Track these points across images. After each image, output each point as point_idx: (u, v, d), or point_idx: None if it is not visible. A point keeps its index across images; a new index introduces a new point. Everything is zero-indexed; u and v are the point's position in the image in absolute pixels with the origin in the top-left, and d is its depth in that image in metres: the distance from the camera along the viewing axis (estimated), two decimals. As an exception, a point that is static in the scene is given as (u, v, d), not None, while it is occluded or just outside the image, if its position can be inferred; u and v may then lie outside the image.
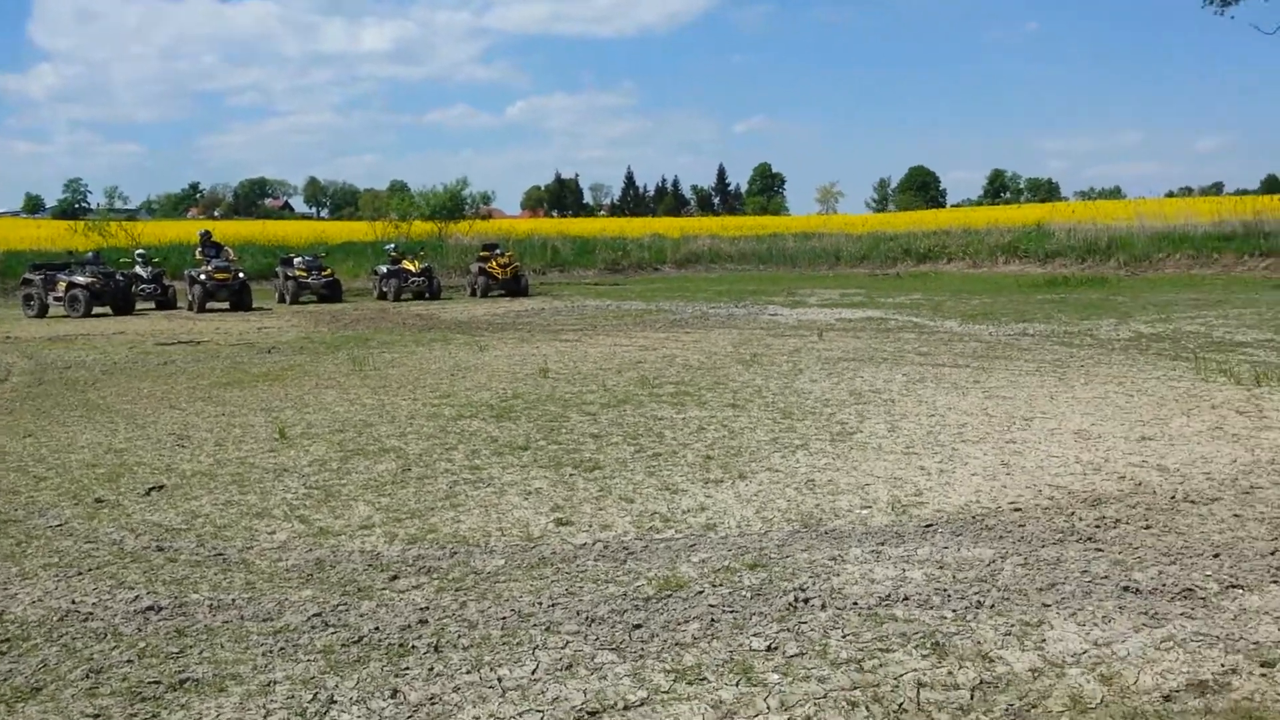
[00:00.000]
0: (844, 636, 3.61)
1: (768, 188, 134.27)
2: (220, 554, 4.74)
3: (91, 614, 4.01)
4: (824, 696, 3.16)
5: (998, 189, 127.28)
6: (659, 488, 5.79)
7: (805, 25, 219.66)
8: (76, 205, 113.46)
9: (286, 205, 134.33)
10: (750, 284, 28.43)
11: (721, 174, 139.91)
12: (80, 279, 21.14)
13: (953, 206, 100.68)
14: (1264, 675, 3.22)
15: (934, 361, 10.73)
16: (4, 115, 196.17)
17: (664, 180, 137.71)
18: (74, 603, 4.14)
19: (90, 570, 4.55)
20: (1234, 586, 4.01)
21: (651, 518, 5.20)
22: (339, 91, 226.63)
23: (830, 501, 5.40)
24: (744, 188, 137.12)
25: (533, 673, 3.39)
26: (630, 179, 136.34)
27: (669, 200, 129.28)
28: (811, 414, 7.88)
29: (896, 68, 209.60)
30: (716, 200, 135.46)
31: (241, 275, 22.15)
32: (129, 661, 3.55)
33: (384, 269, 24.66)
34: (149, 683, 3.36)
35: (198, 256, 22.91)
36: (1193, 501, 5.21)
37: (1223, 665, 3.31)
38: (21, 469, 6.60)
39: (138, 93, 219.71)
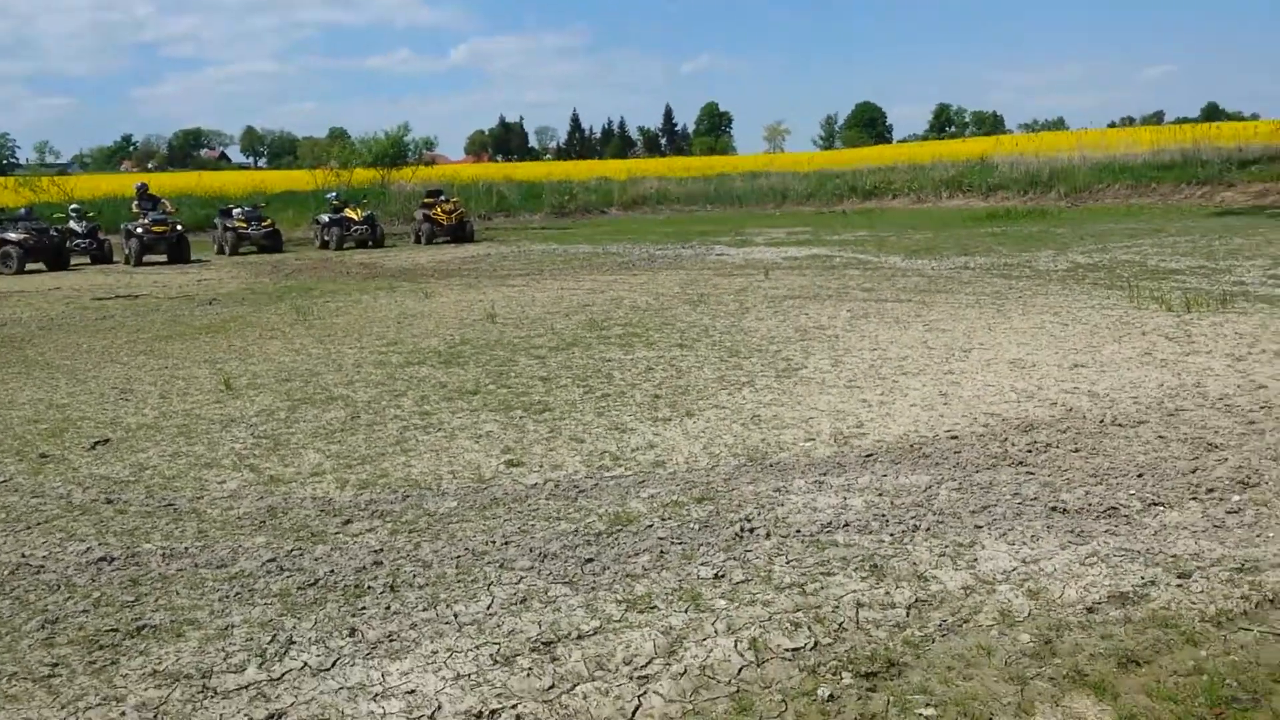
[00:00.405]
0: (787, 562, 3.75)
1: (715, 127, 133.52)
2: (170, 504, 4.75)
3: (43, 567, 4.03)
4: (769, 619, 3.29)
5: (943, 123, 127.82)
6: (608, 427, 5.89)
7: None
8: (4, 161, 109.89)
9: (223, 156, 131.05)
10: (698, 225, 28.45)
11: (668, 114, 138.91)
12: (12, 235, 20.55)
13: (899, 142, 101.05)
14: (1180, 585, 3.41)
15: (877, 297, 10.90)
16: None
17: (610, 123, 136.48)
18: (24, 556, 4.15)
19: (39, 524, 4.55)
20: (1156, 504, 4.20)
21: (601, 456, 5.30)
22: (277, 38, 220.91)
23: (775, 435, 5.53)
24: (691, 128, 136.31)
25: (488, 608, 3.49)
26: (576, 121, 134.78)
27: (616, 143, 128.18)
28: (758, 351, 8.00)
29: (840, 2, 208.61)
30: (664, 141, 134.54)
31: (179, 227, 21.69)
32: (84, 611, 3.58)
33: (326, 218, 24.27)
34: (106, 631, 3.40)
35: (134, 210, 22.36)
36: (1120, 425, 5.42)
37: (1142, 578, 3.49)
38: (-38, 428, 6.52)
39: (68, 45, 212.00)
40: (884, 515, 4.18)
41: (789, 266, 14.91)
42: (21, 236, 20.51)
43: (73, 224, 22.40)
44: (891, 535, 3.96)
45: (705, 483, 4.76)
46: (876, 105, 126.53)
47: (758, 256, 16.88)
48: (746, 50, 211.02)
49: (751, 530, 4.09)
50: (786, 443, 5.38)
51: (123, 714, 2.87)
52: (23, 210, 23.86)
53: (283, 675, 3.05)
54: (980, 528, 4.01)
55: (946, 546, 3.83)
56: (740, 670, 2.98)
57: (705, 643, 3.15)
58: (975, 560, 3.69)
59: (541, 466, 5.17)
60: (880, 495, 4.44)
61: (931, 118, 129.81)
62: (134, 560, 4.06)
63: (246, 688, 2.99)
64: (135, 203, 22.63)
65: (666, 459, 5.20)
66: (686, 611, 3.38)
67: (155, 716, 2.85)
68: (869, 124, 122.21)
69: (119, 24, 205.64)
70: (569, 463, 5.21)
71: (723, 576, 3.65)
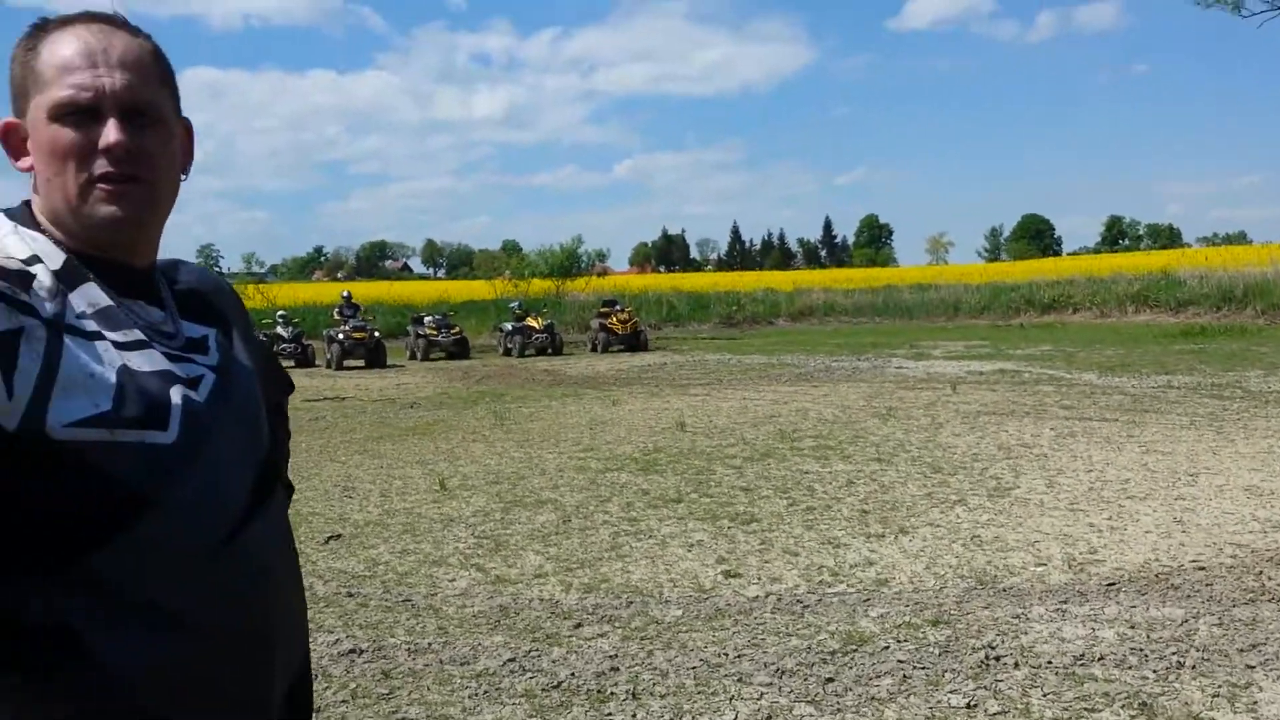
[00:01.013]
0: (1044, 695, 3.58)
1: (875, 239, 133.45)
2: (408, 600, 4.94)
3: (301, 656, 4.23)
4: (1034, 754, 3.14)
5: (1116, 236, 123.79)
6: (820, 541, 5.82)
7: (905, 75, 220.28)
8: (210, 270, 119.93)
9: (405, 266, 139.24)
10: (868, 336, 28.17)
11: (828, 226, 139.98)
12: (226, 338, 22.22)
13: (1070, 254, 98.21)
14: None
15: (1080, 415, 10.49)
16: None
17: (769, 234, 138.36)
18: (282, 645, 4.37)
19: (290, 615, 4.79)
20: None
21: (819, 571, 5.23)
22: (454, 156, 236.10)
23: (1001, 558, 5.34)
24: (850, 240, 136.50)
25: (734, 722, 3.46)
26: (736, 233, 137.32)
27: (776, 254, 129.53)
28: (962, 469, 7.79)
29: (1000, 114, 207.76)
30: (823, 253, 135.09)
31: (377, 334, 22.97)
32: (343, 702, 3.74)
33: (509, 326, 25.25)
34: (370, 722, 3.54)
35: (335, 316, 23.86)
36: (1391, 562, 5.00)
37: None
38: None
39: (265, 164, 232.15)
40: (1141, 650, 3.95)
41: (975, 381, 14.54)
42: (235, 340, 22.13)
43: (280, 329, 24.04)
44: (1154, 672, 3.74)
45: (936, 604, 4.63)
46: (1043, 217, 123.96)
47: (939, 370, 16.54)
48: (903, 162, 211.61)
49: (998, 658, 3.93)
50: (1015, 566, 5.19)
51: (400, 806, 2.96)
52: (235, 315, 25.76)
53: (544, 778, 3.10)
54: (1252, 667, 3.74)
55: (1220, 686, 3.58)
56: (1015, 807, 2.84)
57: (970, 775, 3.03)
58: (1255, 703, 3.44)
59: (760, 579, 5.14)
60: (1133, 628, 4.21)
61: (1104, 230, 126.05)
62: (381, 653, 4.23)
63: (512, 788, 3.04)
64: (337, 310, 24.16)
65: (889, 577, 5.09)
66: (944, 740, 3.26)
67: (431, 811, 2.93)
68: (1035, 236, 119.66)
69: (310, 143, 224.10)
70: (787, 576, 5.17)
71: (976, 706, 3.52)
